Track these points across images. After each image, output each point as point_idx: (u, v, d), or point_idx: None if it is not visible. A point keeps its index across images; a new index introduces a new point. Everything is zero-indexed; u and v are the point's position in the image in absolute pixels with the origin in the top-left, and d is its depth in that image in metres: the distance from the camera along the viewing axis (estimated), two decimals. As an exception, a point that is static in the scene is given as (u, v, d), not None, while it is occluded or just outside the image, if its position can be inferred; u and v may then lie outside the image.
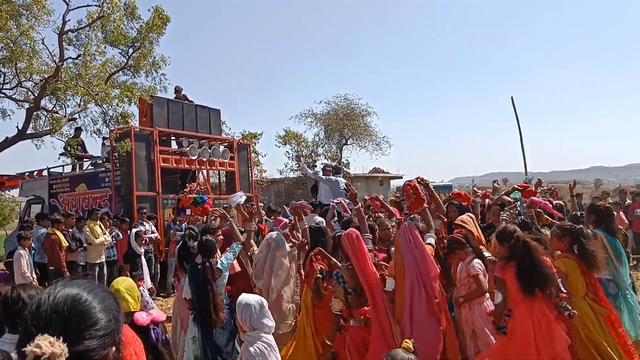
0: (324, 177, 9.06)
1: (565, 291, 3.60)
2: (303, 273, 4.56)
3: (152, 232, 9.15)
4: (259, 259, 4.77)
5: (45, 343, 0.97)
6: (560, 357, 3.46)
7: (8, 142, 8.31)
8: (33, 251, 8.13)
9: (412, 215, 4.45)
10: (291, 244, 4.94)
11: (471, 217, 4.84)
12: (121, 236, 9.01)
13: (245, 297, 3.21)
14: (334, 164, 17.91)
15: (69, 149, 9.16)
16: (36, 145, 8.72)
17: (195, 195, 9.20)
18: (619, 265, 4.43)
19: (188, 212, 8.73)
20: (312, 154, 24.29)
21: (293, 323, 4.76)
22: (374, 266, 3.91)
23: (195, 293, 4.36)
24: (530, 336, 3.46)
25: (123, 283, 2.79)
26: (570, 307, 3.57)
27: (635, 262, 9.34)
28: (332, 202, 7.18)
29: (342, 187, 8.25)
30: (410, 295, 3.71)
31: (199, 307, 4.31)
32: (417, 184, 4.31)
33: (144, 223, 9.16)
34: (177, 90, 11.56)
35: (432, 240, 4.10)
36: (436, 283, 3.77)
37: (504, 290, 3.69)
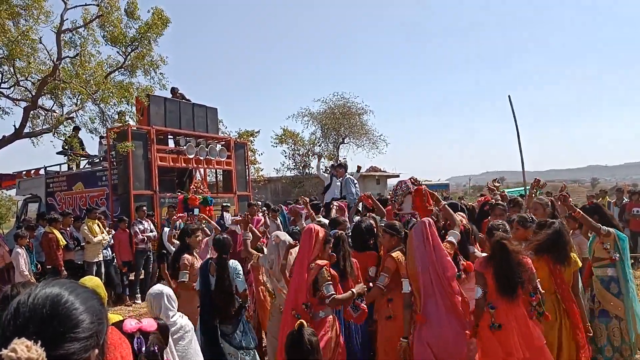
0: (339, 181, 8.86)
1: (542, 292, 3.54)
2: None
3: (151, 231, 9.13)
4: (272, 261, 4.72)
5: (22, 347, 0.92)
6: (540, 354, 3.42)
7: (5, 141, 8.30)
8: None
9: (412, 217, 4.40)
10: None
11: (462, 216, 4.79)
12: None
13: (157, 287, 3.48)
14: (337, 163, 17.88)
15: (67, 147, 9.14)
16: (33, 142, 8.71)
17: (206, 195, 9.21)
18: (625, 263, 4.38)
19: (197, 211, 8.70)
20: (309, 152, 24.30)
21: None
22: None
23: (204, 288, 4.45)
24: (513, 330, 3.40)
25: (89, 282, 2.70)
26: (542, 308, 3.52)
27: (632, 261, 9.38)
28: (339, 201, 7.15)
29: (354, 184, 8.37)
30: (425, 296, 3.53)
31: (207, 302, 4.42)
32: (420, 188, 4.25)
33: (143, 222, 9.13)
34: (174, 92, 11.54)
35: (453, 239, 3.94)
36: (454, 282, 3.60)
37: (485, 285, 3.57)
